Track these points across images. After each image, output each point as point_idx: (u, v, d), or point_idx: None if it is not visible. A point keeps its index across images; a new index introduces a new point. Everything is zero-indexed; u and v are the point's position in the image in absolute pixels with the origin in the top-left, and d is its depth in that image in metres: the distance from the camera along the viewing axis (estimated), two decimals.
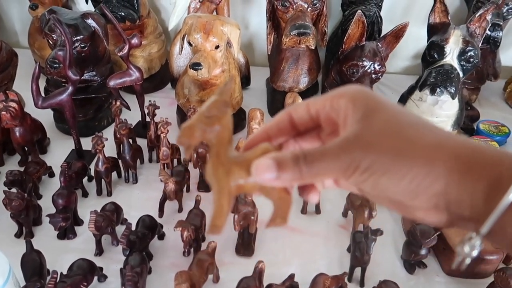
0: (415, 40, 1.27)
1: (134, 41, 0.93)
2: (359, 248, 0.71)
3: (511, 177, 0.24)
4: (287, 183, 0.29)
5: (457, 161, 0.26)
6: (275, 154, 0.30)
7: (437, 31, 1.01)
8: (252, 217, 0.73)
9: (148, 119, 0.98)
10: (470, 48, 0.96)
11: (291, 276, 0.69)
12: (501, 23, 1.16)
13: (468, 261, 0.27)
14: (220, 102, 0.31)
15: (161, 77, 1.26)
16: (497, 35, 1.18)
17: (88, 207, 0.82)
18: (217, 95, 0.32)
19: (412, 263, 0.76)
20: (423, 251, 0.73)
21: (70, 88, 0.88)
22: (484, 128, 1.09)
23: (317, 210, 0.87)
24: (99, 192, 0.88)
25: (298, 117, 0.33)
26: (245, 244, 0.77)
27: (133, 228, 0.73)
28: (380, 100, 0.29)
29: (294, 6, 1.00)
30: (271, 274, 0.70)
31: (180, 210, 0.86)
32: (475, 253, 0.27)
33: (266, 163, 0.28)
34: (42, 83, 1.09)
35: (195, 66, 0.90)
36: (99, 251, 0.76)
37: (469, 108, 1.16)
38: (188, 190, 0.91)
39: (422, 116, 0.29)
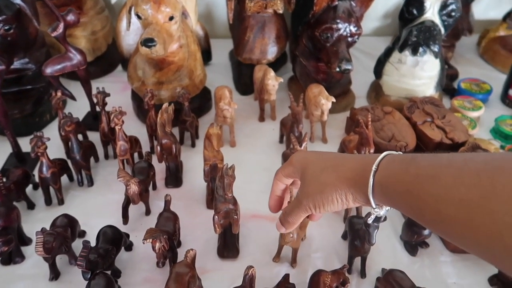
0: None
1: (70, 17, 0.79)
2: (359, 236, 0.63)
3: (369, 172, 0.41)
4: (289, 229, 0.50)
5: (350, 181, 0.43)
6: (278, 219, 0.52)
7: None
8: (235, 216, 0.63)
9: (98, 109, 0.84)
10: (452, 1, 0.88)
11: (286, 277, 0.61)
12: None
13: (373, 219, 0.46)
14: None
15: (109, 58, 1.13)
16: None
17: (36, 221, 0.70)
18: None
19: (413, 244, 0.69)
20: (426, 231, 0.66)
21: None
22: (466, 87, 1.03)
23: None
24: (48, 202, 0.75)
25: (282, 179, 0.52)
26: (228, 245, 0.68)
27: (93, 243, 0.61)
28: (309, 160, 0.47)
29: None
30: (261, 276, 0.61)
31: (147, 213, 0.74)
32: (373, 216, 0.45)
33: (278, 225, 0.51)
34: None
35: (148, 42, 0.77)
36: (55, 275, 0.63)
37: (447, 67, 1.10)
38: (154, 188, 0.79)
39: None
